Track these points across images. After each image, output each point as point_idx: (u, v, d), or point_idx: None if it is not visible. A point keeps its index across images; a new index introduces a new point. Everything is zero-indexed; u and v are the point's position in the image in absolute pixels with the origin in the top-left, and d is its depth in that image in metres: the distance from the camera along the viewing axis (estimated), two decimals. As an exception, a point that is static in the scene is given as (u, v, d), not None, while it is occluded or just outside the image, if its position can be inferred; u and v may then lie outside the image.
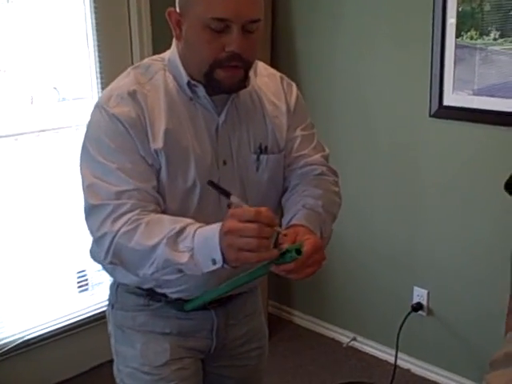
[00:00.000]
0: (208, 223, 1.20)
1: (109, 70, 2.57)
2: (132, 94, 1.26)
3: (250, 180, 1.35)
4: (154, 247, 1.17)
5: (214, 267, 1.13)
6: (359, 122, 2.75)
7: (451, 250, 2.56)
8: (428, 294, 2.66)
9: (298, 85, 1.49)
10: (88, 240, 1.47)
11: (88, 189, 1.25)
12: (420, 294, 2.68)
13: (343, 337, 3.02)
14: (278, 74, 1.46)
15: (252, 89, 1.36)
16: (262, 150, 1.36)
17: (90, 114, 1.31)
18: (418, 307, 2.68)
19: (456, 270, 2.56)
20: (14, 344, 2.53)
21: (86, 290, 2.77)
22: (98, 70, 2.60)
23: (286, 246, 1.14)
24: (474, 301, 2.53)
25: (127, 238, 1.19)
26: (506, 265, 2.41)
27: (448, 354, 2.66)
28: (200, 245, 1.13)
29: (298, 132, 1.42)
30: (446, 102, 2.42)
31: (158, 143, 1.25)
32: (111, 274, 1.47)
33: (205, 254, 1.13)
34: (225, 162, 1.33)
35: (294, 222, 1.25)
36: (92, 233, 1.27)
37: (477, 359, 2.57)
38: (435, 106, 2.45)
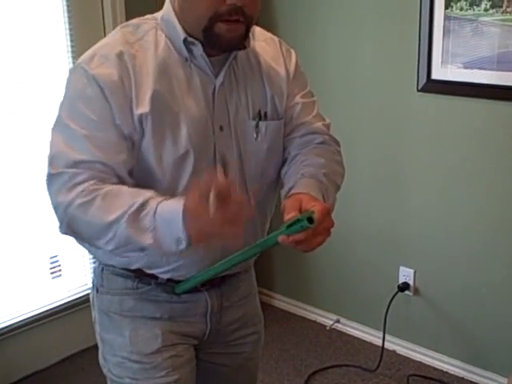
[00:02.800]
0: None
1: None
2: (119, 56, 1.16)
3: (248, 149, 1.26)
4: (112, 223, 1.09)
5: (180, 247, 1.07)
6: (345, 97, 2.66)
7: (437, 228, 2.51)
8: (414, 273, 2.61)
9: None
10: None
11: (50, 156, 1.17)
12: (406, 274, 2.63)
13: (326, 319, 2.95)
14: (277, 39, 1.37)
15: (250, 52, 1.28)
16: (262, 117, 1.27)
17: (69, 72, 1.22)
18: (404, 287, 2.62)
19: (442, 249, 2.51)
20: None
21: (60, 276, 2.63)
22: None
23: (293, 214, 1.05)
24: (461, 279, 2.49)
25: (83, 210, 1.11)
26: (493, 243, 2.39)
27: (434, 334, 2.62)
28: (162, 225, 1.07)
29: (298, 99, 1.33)
30: (434, 76, 2.35)
31: (145, 107, 1.16)
32: (95, 255, 1.36)
33: (168, 234, 1.07)
34: (221, 128, 1.23)
35: (293, 191, 1.17)
36: (50, 203, 1.19)
37: (463, 339, 2.54)
38: (423, 80, 2.38)
